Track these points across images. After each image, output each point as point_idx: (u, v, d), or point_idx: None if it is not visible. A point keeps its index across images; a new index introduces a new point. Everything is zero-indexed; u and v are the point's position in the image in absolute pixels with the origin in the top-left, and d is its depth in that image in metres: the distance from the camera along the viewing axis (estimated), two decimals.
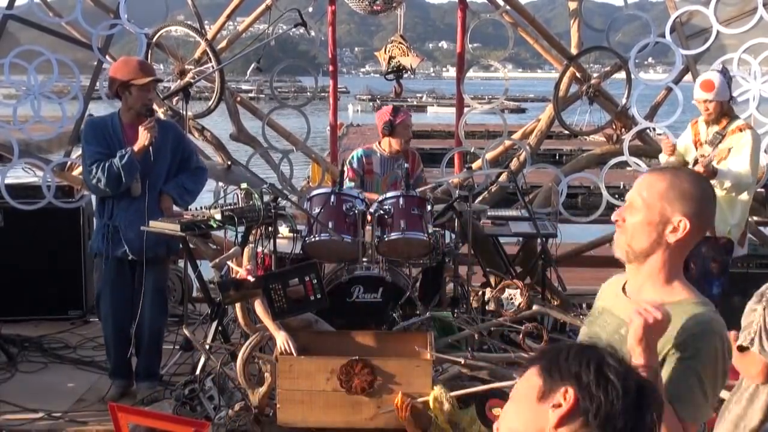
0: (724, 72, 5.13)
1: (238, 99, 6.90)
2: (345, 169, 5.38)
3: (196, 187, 4.73)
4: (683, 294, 2.01)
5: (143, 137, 4.37)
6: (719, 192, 4.90)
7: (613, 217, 2.05)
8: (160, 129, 4.48)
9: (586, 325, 2.22)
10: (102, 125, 4.53)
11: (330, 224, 4.62)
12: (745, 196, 4.98)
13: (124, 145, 4.43)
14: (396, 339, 4.19)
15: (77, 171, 6.13)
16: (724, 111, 4.96)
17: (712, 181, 4.81)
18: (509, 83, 7.13)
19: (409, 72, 6.53)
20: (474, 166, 6.44)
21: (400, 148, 5.42)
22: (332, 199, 4.72)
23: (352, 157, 5.45)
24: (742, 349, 2.72)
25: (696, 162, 4.91)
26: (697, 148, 5.03)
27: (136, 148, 4.38)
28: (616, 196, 6.77)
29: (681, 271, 2.05)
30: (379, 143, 5.50)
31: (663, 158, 5.31)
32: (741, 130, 4.90)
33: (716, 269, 4.99)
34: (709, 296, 4.98)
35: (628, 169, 6.80)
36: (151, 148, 4.40)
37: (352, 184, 5.28)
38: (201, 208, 4.59)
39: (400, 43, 6.44)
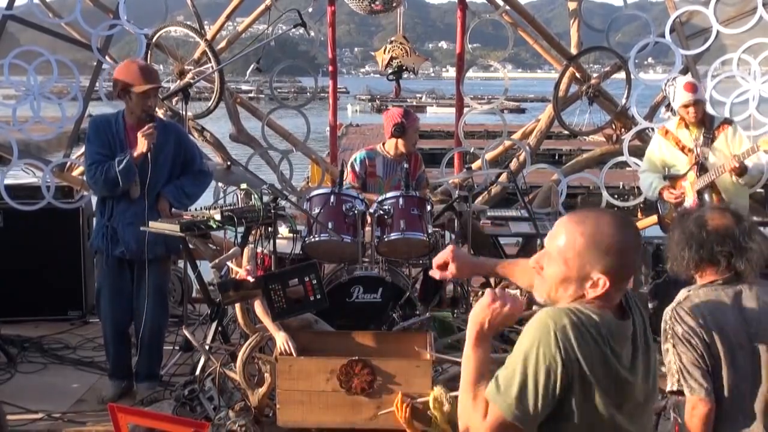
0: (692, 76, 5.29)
1: (238, 100, 6.91)
2: (346, 170, 5.33)
3: (196, 191, 4.71)
4: None
5: (141, 144, 4.36)
6: (735, 185, 4.93)
7: (531, 263, 2.01)
8: (161, 130, 4.47)
9: None
10: (106, 124, 4.51)
11: (330, 224, 4.62)
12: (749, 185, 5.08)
13: (125, 146, 4.42)
14: (396, 339, 4.19)
15: (77, 171, 6.14)
16: (705, 111, 5.06)
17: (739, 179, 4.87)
18: (509, 83, 7.13)
19: (410, 72, 6.52)
20: (474, 166, 6.44)
21: (407, 151, 5.38)
22: (332, 200, 4.71)
23: (355, 159, 5.38)
24: (677, 393, 2.76)
25: (704, 167, 4.91)
26: (685, 153, 5.05)
27: (135, 154, 4.37)
28: (616, 196, 6.78)
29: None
30: (383, 144, 5.46)
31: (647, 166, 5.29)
32: (729, 124, 5.01)
33: None
34: None
35: (628, 169, 6.81)
36: (149, 154, 4.38)
37: (352, 186, 5.26)
38: (200, 208, 4.59)
39: (401, 43, 6.44)
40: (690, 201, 4.98)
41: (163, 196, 4.52)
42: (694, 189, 4.96)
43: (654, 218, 5.68)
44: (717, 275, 2.80)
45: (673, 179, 5.08)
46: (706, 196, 4.98)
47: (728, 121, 5.07)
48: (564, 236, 1.92)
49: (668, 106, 5.29)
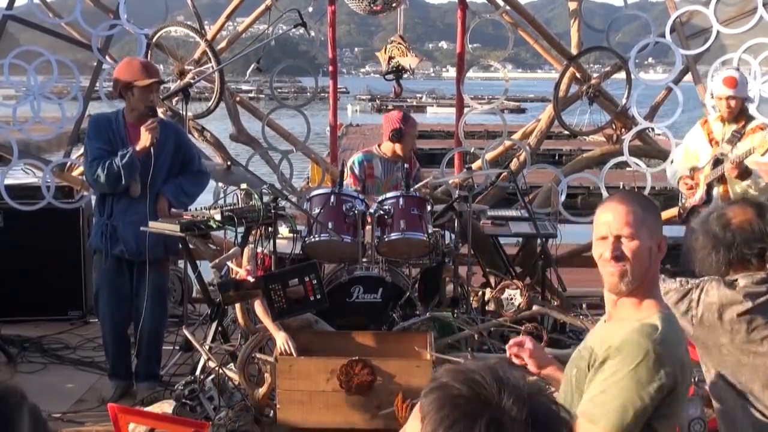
0: (741, 71, 5.19)
1: (238, 99, 6.90)
2: (345, 172, 5.34)
3: (195, 190, 4.71)
4: (645, 313, 2.09)
5: (145, 138, 4.37)
6: (751, 192, 4.88)
7: (611, 254, 2.08)
8: (161, 129, 4.47)
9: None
10: (106, 122, 4.52)
11: (330, 224, 4.62)
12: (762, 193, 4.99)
13: (126, 144, 4.43)
14: (396, 339, 4.19)
15: (77, 171, 6.13)
16: (742, 109, 4.98)
17: (746, 182, 4.80)
18: (509, 84, 7.13)
19: (408, 72, 6.53)
20: (474, 166, 6.44)
21: (403, 155, 5.41)
22: (332, 200, 4.71)
23: (353, 163, 5.39)
24: None
25: (718, 162, 4.88)
26: (712, 146, 5.02)
27: (138, 148, 4.37)
28: None
29: (656, 288, 2.16)
30: (379, 146, 5.48)
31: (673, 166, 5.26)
32: (762, 129, 4.91)
33: None
34: None
35: (628, 169, 6.80)
36: (152, 149, 4.39)
37: (355, 190, 5.26)
38: (201, 208, 4.58)
39: (399, 43, 6.44)
40: (700, 193, 4.97)
41: (162, 195, 4.52)
42: (705, 182, 4.95)
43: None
44: (750, 273, 2.72)
45: (695, 171, 5.07)
46: (714, 191, 4.96)
47: (763, 126, 4.98)
48: (625, 214, 2.07)
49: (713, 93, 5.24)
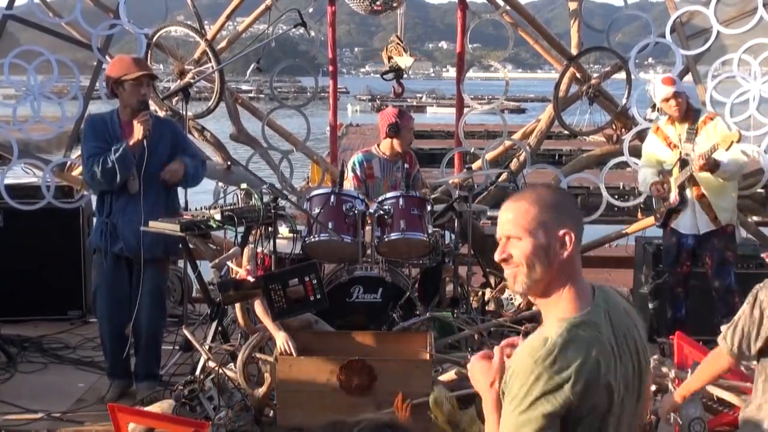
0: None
1: (239, 100, 6.91)
2: (346, 172, 5.33)
3: (198, 173, 4.70)
4: (561, 313, 1.93)
5: (137, 131, 4.36)
6: (719, 181, 4.92)
7: (498, 257, 1.97)
8: (156, 126, 4.46)
9: None
10: (101, 122, 4.53)
11: (330, 224, 4.62)
12: (730, 180, 5.05)
13: (121, 142, 4.43)
14: (396, 339, 4.19)
15: (77, 171, 6.14)
16: (689, 106, 5.06)
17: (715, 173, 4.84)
18: (510, 84, 7.14)
19: (405, 71, 6.55)
20: (474, 166, 6.44)
21: (402, 151, 5.40)
22: (332, 200, 4.71)
23: (354, 163, 5.37)
24: None
25: (685, 162, 4.92)
26: (672, 150, 5.06)
27: (131, 142, 4.37)
28: (616, 196, 6.78)
29: (570, 286, 1.95)
30: (378, 145, 5.47)
31: (644, 172, 5.30)
32: (711, 119, 5.01)
33: (731, 257, 5.07)
34: (729, 285, 5.01)
35: (628, 169, 6.81)
36: (146, 143, 4.38)
37: (358, 192, 5.26)
38: (201, 208, 4.58)
39: (397, 43, 6.47)
40: (673, 196, 5.01)
41: (180, 159, 4.51)
42: (676, 184, 4.99)
43: (652, 219, 5.69)
44: None
45: (664, 175, 5.12)
46: (687, 192, 5.00)
47: (712, 116, 5.07)
48: (517, 213, 1.95)
49: (654, 106, 5.31)
